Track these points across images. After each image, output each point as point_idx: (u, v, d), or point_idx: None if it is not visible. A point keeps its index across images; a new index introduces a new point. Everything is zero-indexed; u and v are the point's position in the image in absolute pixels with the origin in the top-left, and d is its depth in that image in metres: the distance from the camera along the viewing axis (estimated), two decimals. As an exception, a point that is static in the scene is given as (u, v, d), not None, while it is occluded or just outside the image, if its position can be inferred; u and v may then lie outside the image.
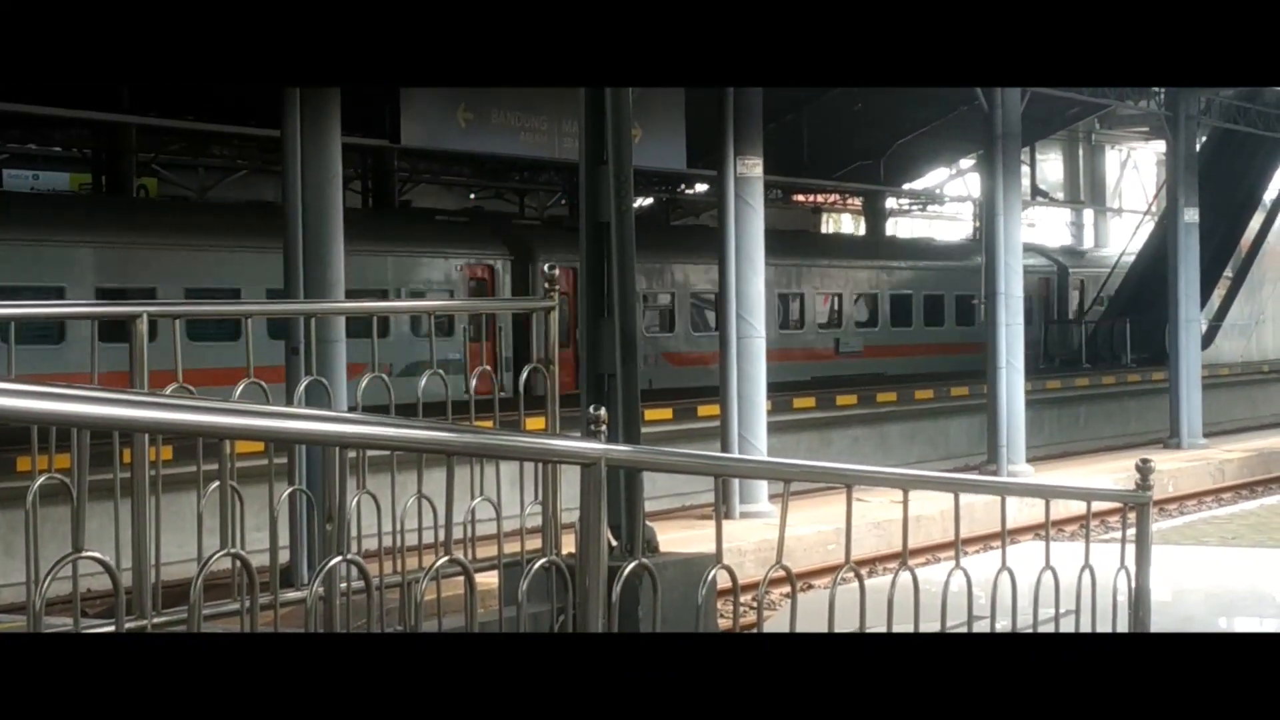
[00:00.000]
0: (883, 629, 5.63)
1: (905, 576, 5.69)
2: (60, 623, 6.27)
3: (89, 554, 4.56)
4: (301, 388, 7.60)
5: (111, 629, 5.18)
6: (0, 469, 6.19)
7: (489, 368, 7.99)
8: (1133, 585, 6.92)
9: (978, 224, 46.18)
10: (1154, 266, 40.36)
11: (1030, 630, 6.48)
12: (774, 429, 24.56)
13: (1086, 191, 60.40)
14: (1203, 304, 37.14)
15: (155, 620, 6.24)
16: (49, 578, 4.33)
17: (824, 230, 54.07)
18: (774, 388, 24.97)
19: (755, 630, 5.84)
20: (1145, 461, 7.00)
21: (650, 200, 44.21)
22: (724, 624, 15.65)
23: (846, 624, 5.49)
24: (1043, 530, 6.64)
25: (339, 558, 5.10)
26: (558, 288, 8.55)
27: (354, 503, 6.72)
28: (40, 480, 6.22)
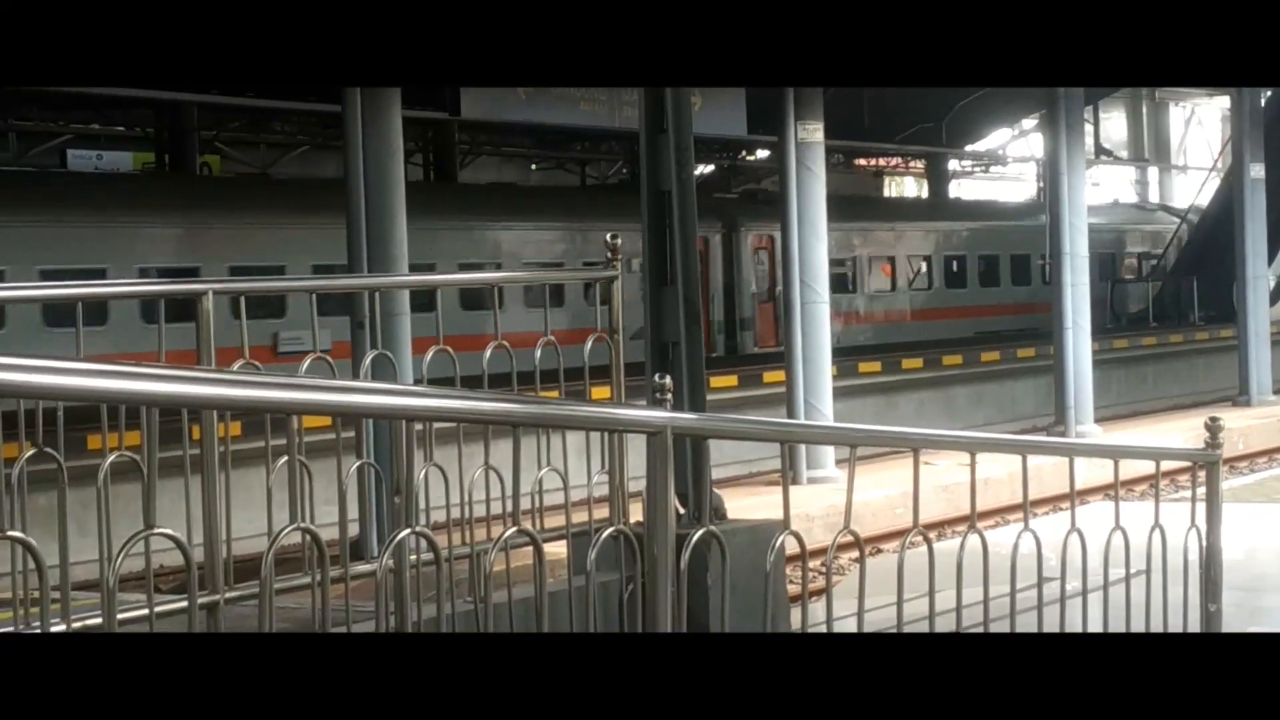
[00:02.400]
0: (951, 592, 5.62)
1: (974, 539, 5.68)
2: (133, 599, 6.32)
3: (161, 530, 4.60)
4: (367, 361, 7.63)
5: (184, 605, 5.23)
6: (71, 448, 6.24)
7: (553, 338, 7.99)
8: (1203, 544, 6.88)
9: (1041, 184, 45.89)
10: (1220, 223, 40.02)
11: (1100, 590, 6.46)
12: (839, 394, 24.51)
13: (1151, 149, 59.98)
14: (1270, 259, 36.78)
15: (228, 595, 6.28)
16: (122, 554, 4.36)
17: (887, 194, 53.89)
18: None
19: (824, 595, 5.84)
20: (1214, 419, 6.95)
21: (711, 167, 44.13)
22: (793, 590, 15.66)
23: (916, 588, 5.49)
24: (1112, 490, 6.61)
25: (408, 530, 5.12)
26: (620, 257, 8.55)
27: (422, 475, 6.74)
28: (111, 458, 6.26)
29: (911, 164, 52.57)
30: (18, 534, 3.99)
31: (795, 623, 8.56)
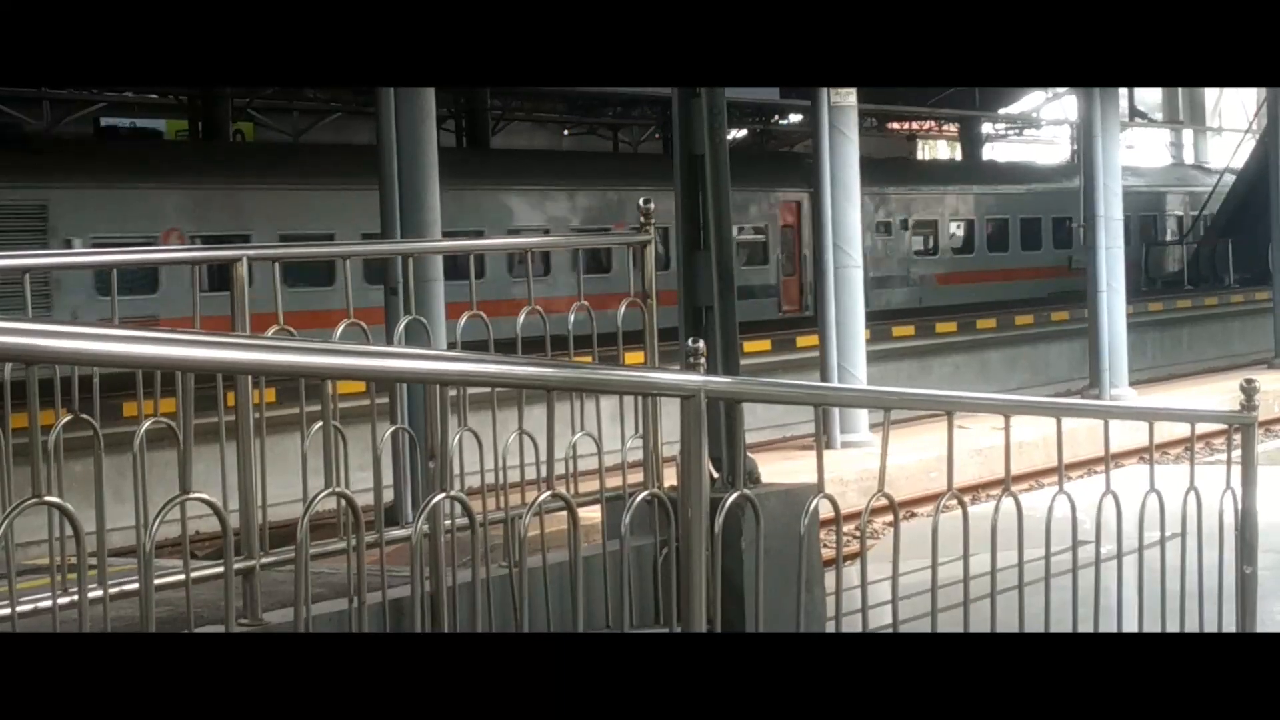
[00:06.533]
0: (986, 556, 5.61)
1: (1008, 503, 5.67)
2: (170, 564, 6.35)
3: (197, 496, 4.62)
4: (401, 327, 7.64)
5: (220, 570, 5.25)
6: (107, 414, 6.26)
7: (587, 303, 7.97)
8: (1239, 507, 6.86)
9: (1075, 147, 45.73)
10: (1256, 185, 39.82)
11: (1135, 553, 6.45)
12: (873, 358, 24.50)
13: (1185, 111, 59.65)
14: (1306, 221, 36.61)
15: (263, 560, 6.31)
16: (158, 520, 4.38)
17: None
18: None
19: (859, 558, 5.84)
20: (1250, 382, 6.92)
21: (744, 132, 44.05)
22: (827, 554, 15.68)
23: (950, 551, 5.49)
24: (1147, 453, 6.59)
25: (442, 495, 5.14)
26: (654, 222, 8.53)
27: (456, 440, 6.75)
28: (146, 424, 6.28)
29: (945, 127, 52.40)
30: (55, 500, 4.00)
31: (829, 586, 8.56)
